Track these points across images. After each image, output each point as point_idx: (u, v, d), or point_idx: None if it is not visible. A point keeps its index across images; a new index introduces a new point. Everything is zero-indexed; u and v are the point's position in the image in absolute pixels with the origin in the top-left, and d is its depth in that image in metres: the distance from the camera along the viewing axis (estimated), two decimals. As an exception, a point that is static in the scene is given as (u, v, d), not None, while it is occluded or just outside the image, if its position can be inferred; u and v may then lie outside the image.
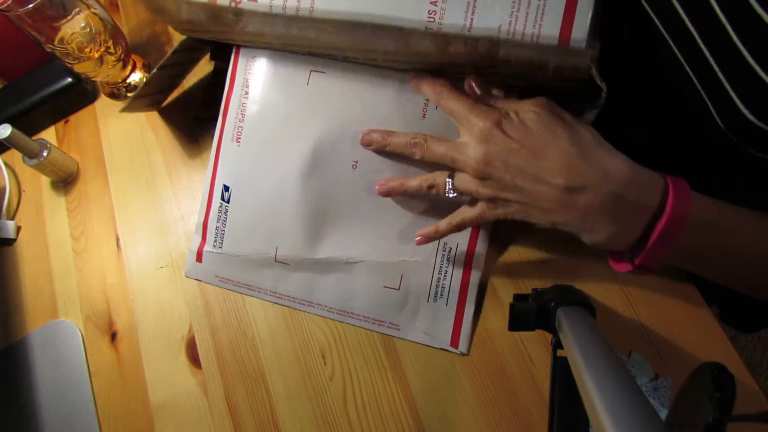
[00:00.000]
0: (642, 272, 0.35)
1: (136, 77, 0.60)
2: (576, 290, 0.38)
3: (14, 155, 0.59)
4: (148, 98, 0.53)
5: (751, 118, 0.30)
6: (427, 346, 0.44)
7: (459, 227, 0.40)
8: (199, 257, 0.49)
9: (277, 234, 0.46)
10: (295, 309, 0.47)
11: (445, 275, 0.43)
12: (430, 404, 0.42)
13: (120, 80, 0.59)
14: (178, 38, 0.62)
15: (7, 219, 0.58)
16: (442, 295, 0.43)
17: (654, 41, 0.37)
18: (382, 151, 0.41)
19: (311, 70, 0.43)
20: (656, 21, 0.35)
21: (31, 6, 0.46)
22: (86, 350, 0.50)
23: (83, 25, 0.51)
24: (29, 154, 0.54)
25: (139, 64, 0.60)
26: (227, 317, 0.49)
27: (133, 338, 0.50)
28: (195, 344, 0.48)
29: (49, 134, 0.61)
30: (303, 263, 0.45)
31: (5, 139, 0.51)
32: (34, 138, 0.55)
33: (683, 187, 0.33)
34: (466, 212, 0.39)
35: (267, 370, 0.46)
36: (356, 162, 0.43)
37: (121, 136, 0.59)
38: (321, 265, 0.45)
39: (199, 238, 0.49)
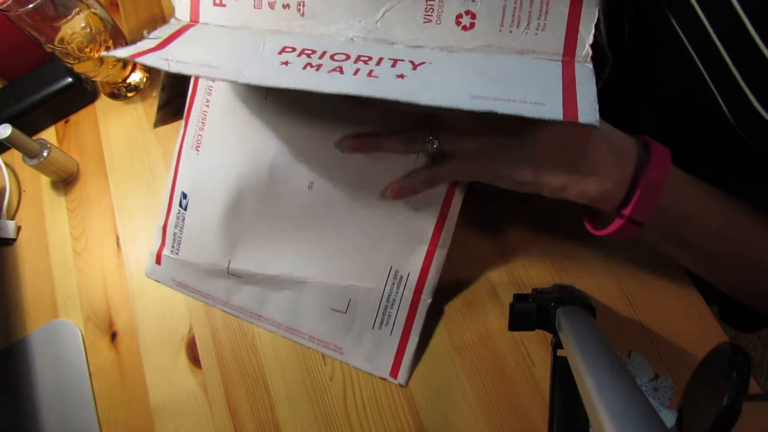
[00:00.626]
0: (629, 230, 0.34)
1: (137, 77, 0.60)
2: (576, 290, 0.38)
3: (14, 155, 0.59)
4: (171, 105, 0.52)
5: (764, 113, 0.30)
6: (369, 373, 0.44)
7: (432, 182, 0.38)
8: (158, 260, 0.49)
9: (230, 247, 0.45)
10: (246, 321, 0.47)
11: (392, 304, 0.43)
12: (430, 404, 0.42)
13: (120, 80, 0.59)
14: (178, 38, 0.62)
15: (7, 219, 0.58)
16: (387, 323, 0.43)
17: (659, 32, 0.37)
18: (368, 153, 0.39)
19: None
20: (665, 9, 0.35)
21: (31, 6, 0.46)
22: (86, 350, 0.50)
23: (83, 25, 0.51)
24: (29, 154, 0.54)
25: (139, 64, 0.60)
26: (227, 317, 0.48)
27: (133, 338, 0.50)
28: (195, 344, 0.48)
29: (49, 134, 0.61)
30: (255, 278, 0.45)
31: (5, 139, 0.51)
32: (34, 138, 0.55)
33: (658, 143, 0.34)
34: (442, 166, 0.37)
35: (267, 370, 0.46)
36: (312, 183, 0.42)
37: (121, 136, 0.59)
38: (272, 281, 0.45)
39: (159, 242, 0.49)
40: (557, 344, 0.32)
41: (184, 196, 0.47)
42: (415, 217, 0.41)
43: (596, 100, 0.30)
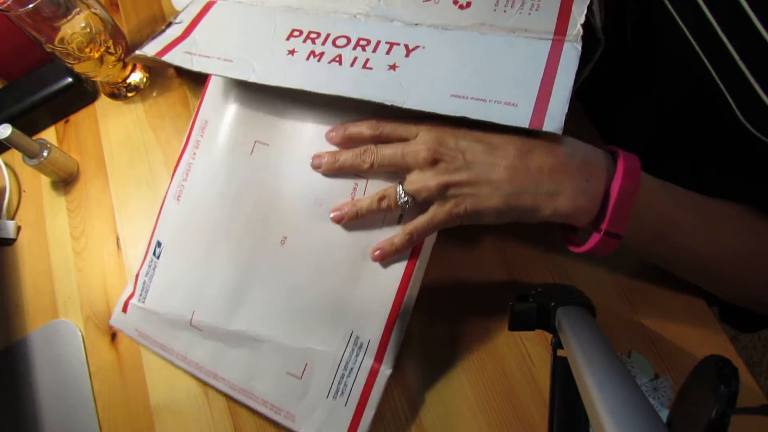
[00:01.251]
0: (608, 244, 0.34)
1: (136, 77, 0.60)
2: (576, 290, 0.38)
3: (14, 155, 0.60)
4: None
5: None
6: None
7: (412, 235, 0.38)
8: (125, 308, 0.48)
9: (196, 298, 0.45)
10: (201, 380, 0.45)
11: (349, 372, 0.40)
12: (430, 404, 0.42)
13: (120, 80, 0.59)
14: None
15: (7, 219, 0.58)
16: (342, 393, 0.41)
17: (662, 28, 0.37)
18: (332, 174, 0.41)
19: (256, 141, 0.44)
20: (667, 5, 0.35)
21: (31, 6, 0.46)
22: (86, 350, 0.50)
23: (83, 25, 0.51)
24: (29, 154, 0.54)
25: (139, 64, 0.60)
26: (227, 317, 0.48)
27: (133, 338, 0.50)
28: (195, 344, 0.48)
29: (49, 134, 0.61)
30: (215, 332, 0.44)
31: (5, 139, 0.51)
32: (34, 138, 0.55)
33: (625, 152, 0.34)
34: (417, 220, 0.38)
35: (267, 370, 0.46)
36: (285, 237, 0.42)
37: (121, 136, 0.59)
38: (231, 337, 0.43)
39: (131, 289, 0.48)
40: (557, 344, 0.32)
41: (159, 244, 0.47)
42: (378, 282, 0.41)
43: (568, 100, 0.32)
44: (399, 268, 0.40)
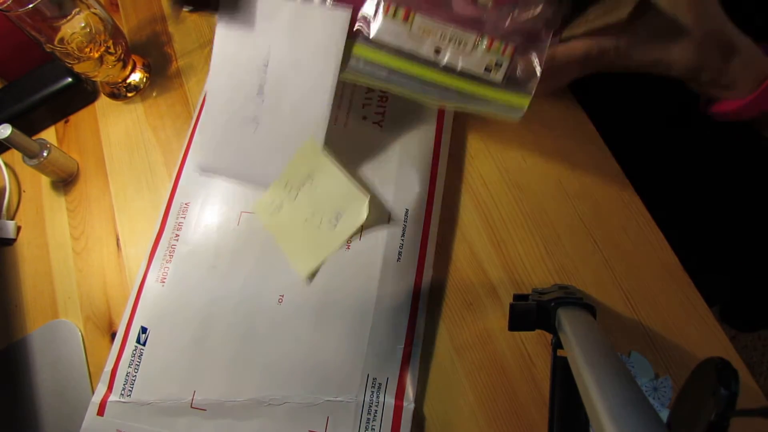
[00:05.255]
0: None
1: (136, 77, 0.60)
2: (576, 290, 0.38)
3: (14, 155, 0.60)
4: None
5: None
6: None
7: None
8: (101, 410, 0.44)
9: (196, 376, 0.43)
10: None
11: (375, 416, 0.40)
12: (430, 404, 0.42)
13: (120, 80, 0.59)
14: (178, 38, 0.62)
15: (7, 219, 0.58)
16: None
17: None
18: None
19: (241, 212, 0.46)
20: None
21: (31, 6, 0.46)
22: (86, 350, 0.50)
23: (83, 25, 0.51)
24: (29, 154, 0.54)
25: (139, 64, 0.60)
26: (227, 317, 0.48)
27: (133, 338, 0.50)
28: (195, 344, 0.48)
29: (49, 134, 0.61)
30: (221, 408, 0.42)
31: (5, 139, 0.51)
32: (34, 138, 0.55)
33: None
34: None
35: (267, 370, 0.46)
36: (282, 296, 0.43)
37: (121, 136, 0.59)
38: (240, 410, 0.41)
39: (105, 388, 0.45)
40: (557, 344, 0.32)
41: (144, 330, 0.46)
42: (387, 320, 0.41)
43: None
44: (405, 304, 0.42)
